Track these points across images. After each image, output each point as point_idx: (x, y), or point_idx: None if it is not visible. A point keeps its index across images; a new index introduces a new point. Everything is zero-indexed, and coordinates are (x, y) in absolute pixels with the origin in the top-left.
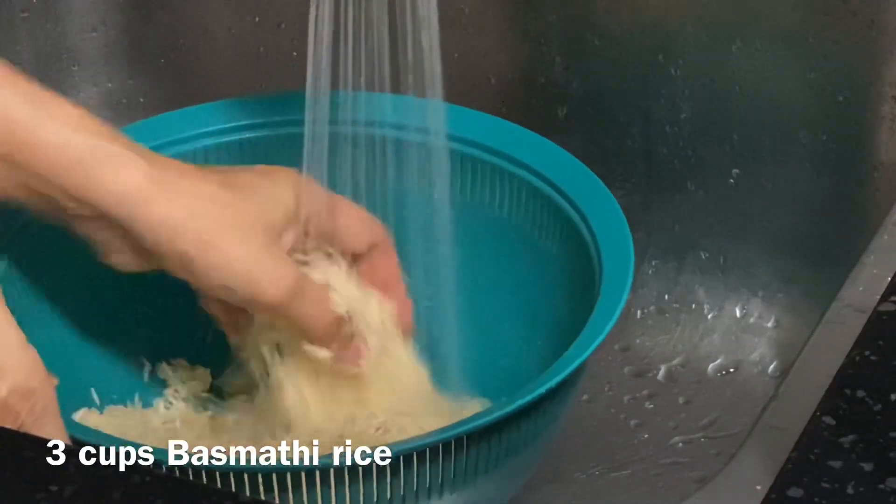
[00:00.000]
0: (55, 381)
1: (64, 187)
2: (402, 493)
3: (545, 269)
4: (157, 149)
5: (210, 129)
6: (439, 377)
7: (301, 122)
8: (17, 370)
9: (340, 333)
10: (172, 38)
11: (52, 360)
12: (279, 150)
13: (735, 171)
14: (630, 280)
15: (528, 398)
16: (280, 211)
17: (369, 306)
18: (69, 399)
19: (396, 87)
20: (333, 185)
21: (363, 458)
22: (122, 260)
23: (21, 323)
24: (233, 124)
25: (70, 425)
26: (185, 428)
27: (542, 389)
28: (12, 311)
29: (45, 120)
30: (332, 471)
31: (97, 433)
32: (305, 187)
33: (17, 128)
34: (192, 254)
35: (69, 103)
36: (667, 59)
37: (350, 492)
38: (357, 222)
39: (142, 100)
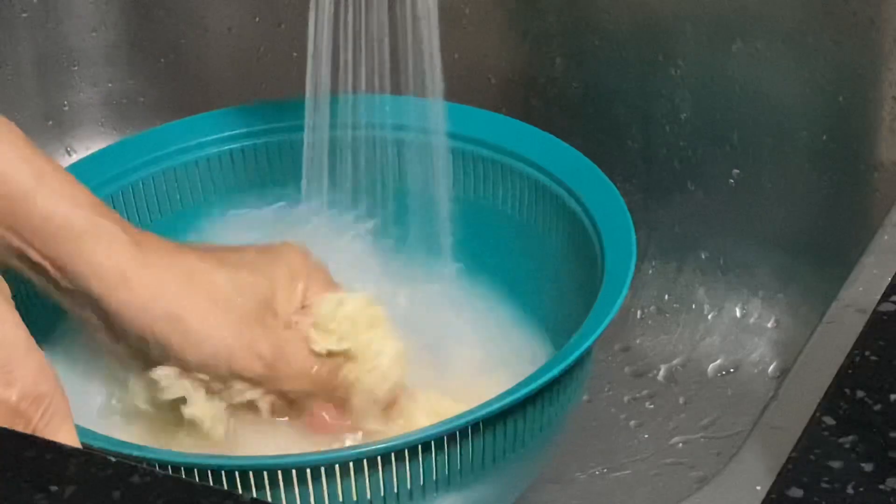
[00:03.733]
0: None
1: (52, 258)
2: (408, 486)
3: (550, 263)
4: (158, 160)
5: (212, 137)
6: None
7: (301, 128)
8: (26, 375)
9: (324, 387)
10: (172, 38)
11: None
12: (281, 156)
13: (735, 171)
14: (632, 267)
15: (521, 395)
16: (273, 287)
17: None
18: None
19: (396, 88)
20: (334, 187)
21: (362, 453)
22: (104, 339)
23: (29, 325)
24: (234, 132)
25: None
26: None
27: (538, 382)
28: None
29: (46, 192)
30: (334, 466)
31: (100, 435)
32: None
33: (18, 197)
34: (165, 332)
35: (68, 177)
36: (667, 59)
37: (350, 486)
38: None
39: (142, 100)
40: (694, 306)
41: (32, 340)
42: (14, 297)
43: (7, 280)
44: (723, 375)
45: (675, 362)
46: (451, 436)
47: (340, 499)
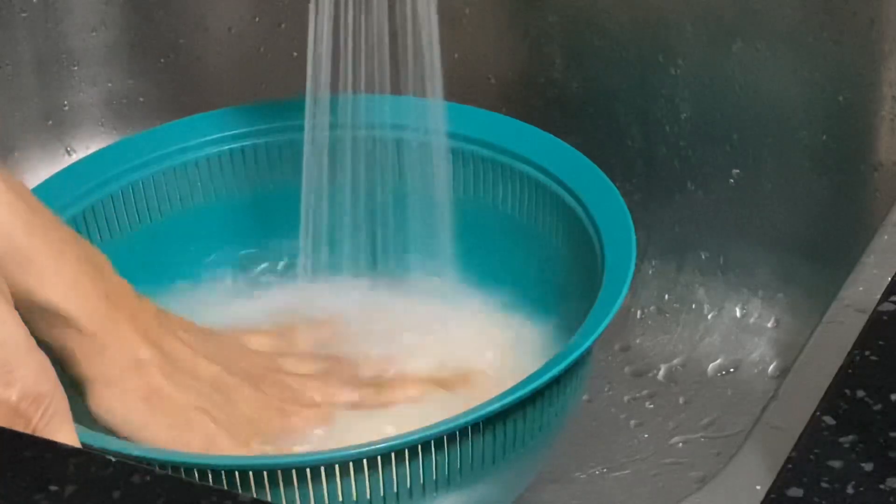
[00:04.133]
0: None
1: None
2: (408, 486)
3: (550, 264)
4: (158, 160)
5: (212, 137)
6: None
7: (301, 128)
8: (26, 375)
9: None
10: (172, 38)
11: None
12: (281, 156)
13: (735, 171)
14: (632, 267)
15: (521, 394)
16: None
17: None
18: None
19: (396, 88)
20: (334, 187)
21: (362, 453)
22: None
23: None
24: (234, 132)
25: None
26: None
27: (538, 382)
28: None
29: (34, 283)
30: (334, 466)
31: (100, 435)
32: None
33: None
34: None
35: (46, 257)
36: (667, 59)
37: (350, 486)
38: None
39: (142, 100)
40: (694, 306)
41: (33, 340)
42: None
43: None
44: (723, 375)
45: (675, 362)
46: (451, 436)
47: (340, 499)
